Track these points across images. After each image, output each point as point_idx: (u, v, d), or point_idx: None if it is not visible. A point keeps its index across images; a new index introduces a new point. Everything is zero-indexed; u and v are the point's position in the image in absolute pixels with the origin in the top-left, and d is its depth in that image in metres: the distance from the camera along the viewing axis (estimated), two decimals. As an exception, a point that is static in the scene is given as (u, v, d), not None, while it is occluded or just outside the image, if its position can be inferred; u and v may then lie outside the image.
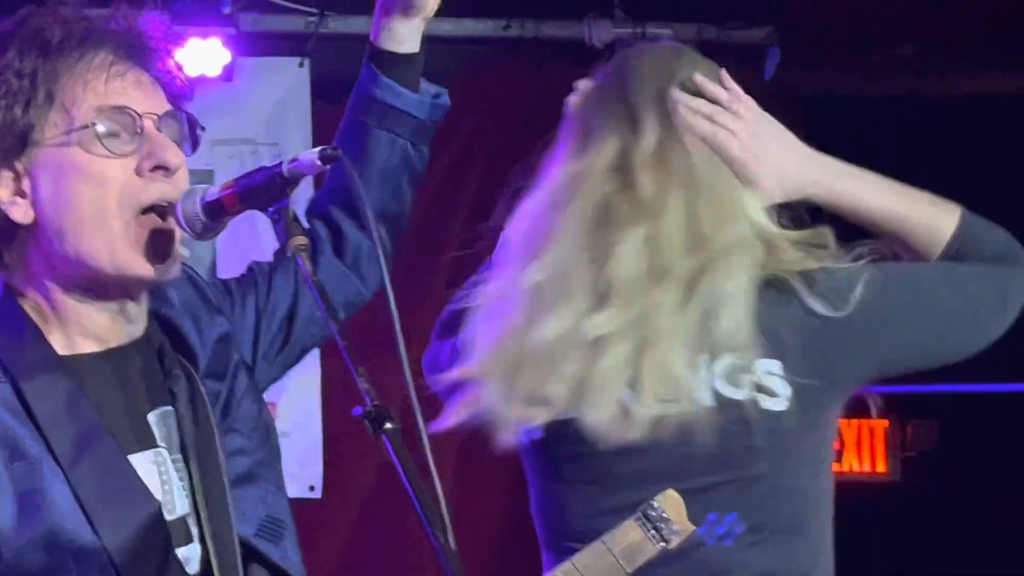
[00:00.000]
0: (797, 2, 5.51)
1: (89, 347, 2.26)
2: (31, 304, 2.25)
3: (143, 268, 2.13)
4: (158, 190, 2.14)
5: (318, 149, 2.05)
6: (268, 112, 5.65)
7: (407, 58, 2.57)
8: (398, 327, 1.92)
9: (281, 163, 2.09)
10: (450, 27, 5.54)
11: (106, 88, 2.20)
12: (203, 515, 2.26)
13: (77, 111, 2.17)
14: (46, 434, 2.21)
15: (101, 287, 2.20)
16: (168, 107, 2.24)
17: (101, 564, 2.18)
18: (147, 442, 2.24)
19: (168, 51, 2.32)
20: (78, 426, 2.26)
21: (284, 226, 2.06)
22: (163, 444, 2.26)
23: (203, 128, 2.32)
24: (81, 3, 2.22)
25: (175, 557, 2.21)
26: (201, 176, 4.31)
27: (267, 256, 4.69)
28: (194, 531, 2.23)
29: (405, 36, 2.52)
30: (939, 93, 5.95)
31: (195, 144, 2.27)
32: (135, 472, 2.20)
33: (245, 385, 2.42)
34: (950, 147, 6.07)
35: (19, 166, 2.15)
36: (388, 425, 1.86)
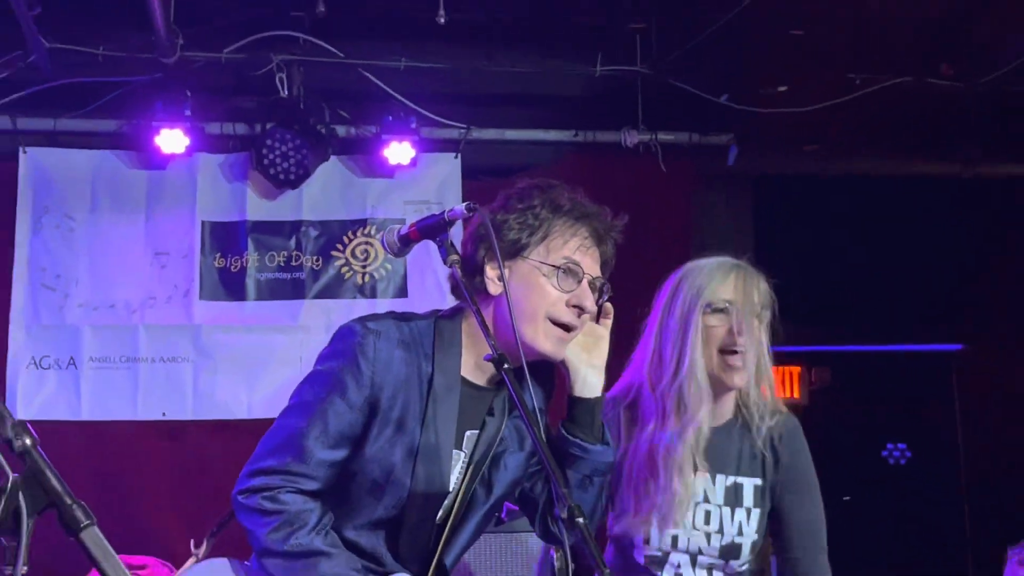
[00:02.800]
0: (749, 118, 6.08)
1: (472, 377, 2.78)
2: (467, 331, 2.78)
3: (545, 349, 2.70)
4: (570, 318, 2.70)
5: (464, 204, 2.63)
6: (437, 184, 6.31)
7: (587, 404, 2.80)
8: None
9: (444, 212, 2.65)
10: (535, 135, 6.38)
11: (576, 250, 2.74)
12: (459, 497, 2.78)
13: (554, 254, 2.72)
14: (428, 409, 2.69)
15: (530, 349, 2.68)
16: (599, 274, 2.78)
17: (400, 496, 2.70)
18: (459, 444, 2.76)
19: (615, 242, 2.83)
20: (445, 416, 2.73)
21: (445, 250, 2.62)
22: (465, 451, 2.78)
23: (610, 292, 2.80)
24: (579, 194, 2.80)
25: (437, 509, 2.77)
26: (397, 222, 5.08)
27: (435, 266, 5.65)
28: (446, 501, 2.77)
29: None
30: (840, 172, 6.46)
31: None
32: (449, 459, 2.73)
33: (517, 468, 2.88)
34: (847, 207, 6.56)
35: (507, 264, 2.71)
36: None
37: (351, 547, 2.68)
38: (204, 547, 2.88)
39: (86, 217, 6.14)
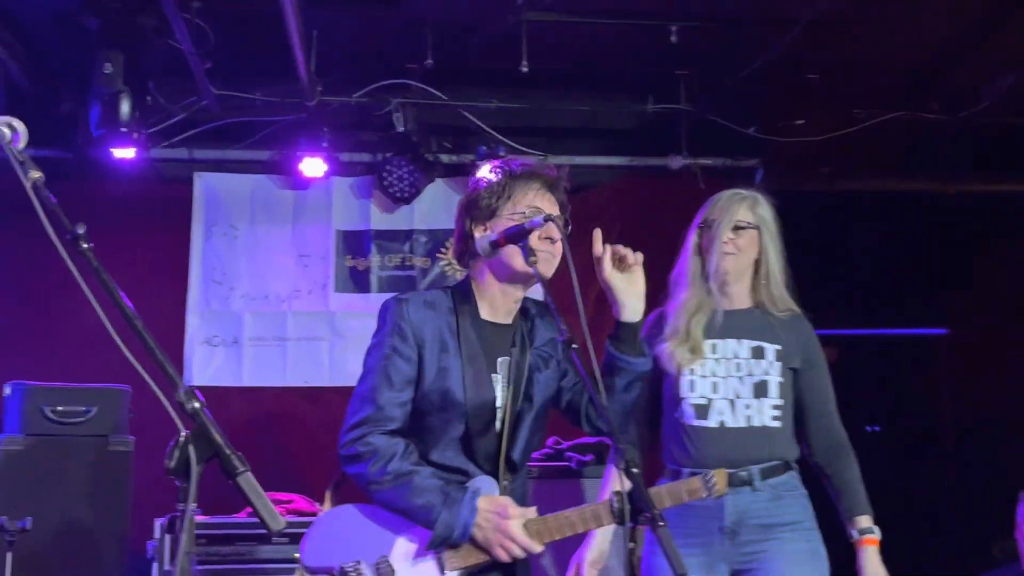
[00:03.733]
0: (773, 146, 6.00)
1: (490, 318, 2.82)
2: (476, 287, 2.82)
3: (542, 269, 2.65)
4: (546, 246, 2.69)
5: (541, 216, 2.62)
6: None
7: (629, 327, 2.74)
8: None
9: (524, 222, 2.64)
10: (598, 160, 6.31)
11: (535, 198, 2.75)
12: (508, 406, 2.77)
13: (519, 205, 2.74)
14: (461, 344, 2.75)
15: (525, 278, 2.74)
16: (557, 211, 2.76)
17: (461, 411, 2.74)
18: (494, 369, 2.78)
19: (562, 187, 2.82)
20: (474, 347, 2.77)
21: (526, 252, 2.60)
22: (501, 373, 2.79)
23: (569, 222, 2.75)
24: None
25: (494, 419, 2.77)
26: None
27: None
28: (499, 413, 2.77)
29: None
30: (846, 189, 6.30)
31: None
32: (488, 378, 2.77)
33: (553, 365, 2.87)
34: (852, 216, 6.48)
35: (487, 223, 2.76)
36: None
37: (439, 468, 2.69)
38: (328, 501, 2.87)
39: (246, 227, 6.21)
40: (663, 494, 2.66)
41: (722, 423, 3.06)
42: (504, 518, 2.58)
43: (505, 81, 5.43)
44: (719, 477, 2.64)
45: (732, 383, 3.08)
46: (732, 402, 3.07)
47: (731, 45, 5.26)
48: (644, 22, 5.06)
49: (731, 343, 3.11)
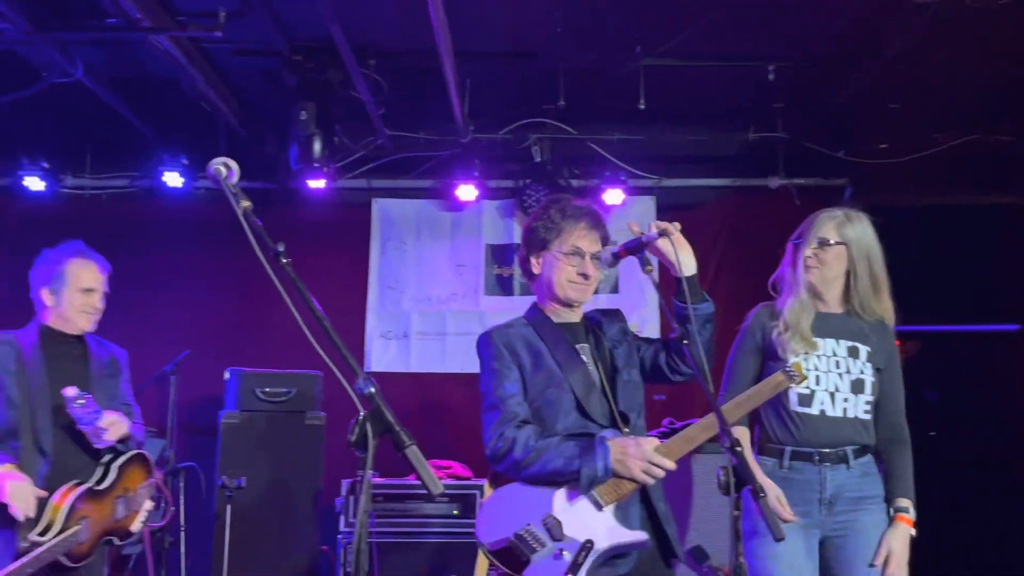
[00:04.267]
0: (860, 167, 5.83)
1: (559, 320, 2.86)
2: (541, 301, 2.90)
3: (570, 297, 2.79)
4: (579, 280, 2.78)
5: (656, 231, 2.64)
6: (638, 218, 6.00)
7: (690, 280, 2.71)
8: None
9: (642, 236, 2.66)
10: (706, 182, 6.21)
11: (580, 238, 2.79)
12: (601, 374, 2.78)
13: (566, 243, 2.79)
14: (546, 343, 2.79)
15: (565, 300, 2.83)
16: (598, 248, 2.80)
17: (564, 382, 2.74)
18: (578, 353, 2.80)
19: (604, 225, 2.86)
20: (558, 342, 2.79)
21: (642, 262, 2.62)
22: (584, 357, 2.79)
23: (609, 256, 2.72)
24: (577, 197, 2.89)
25: (593, 385, 2.76)
26: (611, 244, 5.47)
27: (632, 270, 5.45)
28: (595, 378, 2.76)
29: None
30: (926, 203, 5.98)
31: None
32: (577, 359, 2.78)
33: (626, 346, 2.87)
34: (933, 227, 6.02)
35: (539, 255, 2.85)
36: None
37: (569, 437, 2.68)
38: (488, 489, 2.93)
39: (413, 243, 6.29)
40: (750, 396, 2.73)
41: (823, 412, 2.98)
42: (638, 446, 2.57)
43: (626, 117, 5.36)
44: (797, 367, 2.69)
45: (832, 378, 3.00)
46: (832, 394, 2.99)
47: (821, 80, 5.11)
48: (745, 64, 4.97)
49: (830, 342, 3.02)
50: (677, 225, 2.67)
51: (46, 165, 5.79)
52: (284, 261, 1.97)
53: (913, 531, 2.97)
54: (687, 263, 2.67)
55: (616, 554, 2.58)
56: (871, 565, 2.89)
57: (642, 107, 5.15)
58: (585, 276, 2.75)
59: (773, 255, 3.23)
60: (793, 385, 2.72)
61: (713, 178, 6.18)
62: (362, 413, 1.87)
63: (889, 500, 3.01)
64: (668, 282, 2.78)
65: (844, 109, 5.38)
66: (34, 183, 5.81)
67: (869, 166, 5.86)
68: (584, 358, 2.77)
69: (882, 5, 4.25)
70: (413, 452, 1.88)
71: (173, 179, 5.73)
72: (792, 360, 2.88)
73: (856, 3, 4.31)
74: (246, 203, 2.00)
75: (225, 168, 2.03)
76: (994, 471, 6.13)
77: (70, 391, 3.16)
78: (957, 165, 5.86)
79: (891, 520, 2.97)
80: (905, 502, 2.97)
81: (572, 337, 2.80)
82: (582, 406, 2.69)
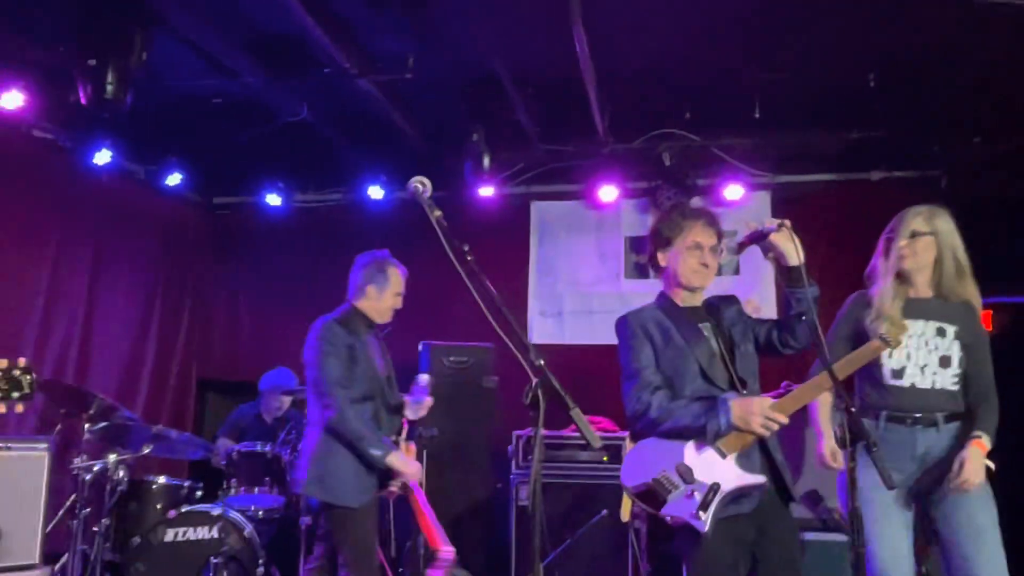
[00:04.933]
0: (954, 160, 5.50)
1: (683, 304, 2.80)
2: (668, 288, 2.84)
3: (694, 284, 2.76)
4: (699, 268, 2.74)
5: (776, 223, 2.53)
6: (756, 210, 5.85)
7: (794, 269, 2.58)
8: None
9: (763, 227, 2.57)
10: (814, 177, 5.90)
11: (699, 233, 2.75)
12: (721, 346, 2.69)
13: (687, 239, 2.76)
14: (673, 323, 2.72)
15: (688, 286, 2.76)
16: (715, 242, 2.76)
17: (688, 352, 2.66)
18: (701, 330, 2.73)
19: (719, 222, 2.80)
20: (683, 322, 2.73)
21: (764, 249, 2.59)
22: (707, 334, 2.72)
23: (724, 248, 2.77)
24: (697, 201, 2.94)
25: (714, 355, 2.68)
26: (733, 234, 5.21)
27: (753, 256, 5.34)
28: (715, 349, 2.69)
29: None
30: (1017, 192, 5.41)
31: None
32: (701, 335, 2.71)
33: (741, 326, 2.76)
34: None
35: (665, 250, 2.79)
36: None
37: (696, 399, 2.62)
38: (628, 443, 2.91)
39: (564, 236, 6.28)
40: (851, 360, 2.61)
41: (913, 384, 2.85)
42: (756, 404, 2.52)
43: (741, 123, 5.18)
44: (892, 333, 2.64)
45: (922, 354, 2.86)
46: (922, 368, 2.85)
47: (917, 84, 4.76)
48: (847, 73, 4.68)
49: (919, 323, 2.88)
50: (787, 222, 2.55)
51: (281, 185, 6.17)
52: (469, 257, 1.98)
53: (986, 458, 2.74)
54: (791, 253, 2.55)
55: (740, 495, 2.55)
56: (952, 486, 2.72)
57: (757, 116, 4.97)
58: (705, 265, 2.71)
59: (873, 242, 3.06)
60: (890, 348, 2.60)
61: (819, 174, 5.90)
62: (534, 380, 1.86)
63: (973, 434, 2.81)
64: (782, 269, 2.67)
65: (939, 107, 5.02)
66: (272, 199, 6.22)
67: (964, 160, 5.45)
68: (706, 334, 2.70)
69: (966, 15, 3.93)
70: (577, 414, 1.88)
71: (375, 192, 5.99)
72: (886, 327, 2.74)
73: (941, 17, 4.00)
74: (438, 212, 2.01)
75: (422, 185, 2.06)
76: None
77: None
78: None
79: (968, 444, 2.78)
80: (980, 432, 2.78)
81: (695, 317, 2.74)
82: (705, 373, 2.63)
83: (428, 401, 3.59)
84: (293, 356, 5.26)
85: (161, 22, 3.78)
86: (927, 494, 2.80)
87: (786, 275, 2.58)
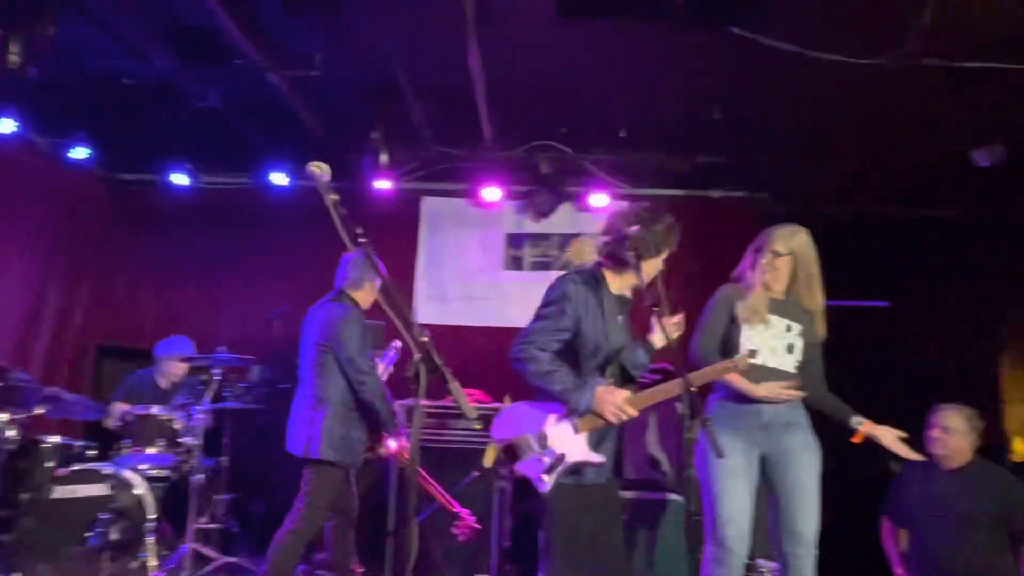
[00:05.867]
0: (775, 180, 5.52)
1: (617, 292, 2.67)
2: (607, 272, 2.67)
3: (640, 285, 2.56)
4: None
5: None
6: None
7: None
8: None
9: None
10: (665, 192, 5.89)
11: (673, 247, 2.63)
12: (625, 345, 2.64)
13: (665, 251, 2.62)
14: (604, 307, 2.57)
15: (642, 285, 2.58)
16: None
17: (604, 347, 2.59)
18: (620, 315, 2.62)
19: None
20: (610, 309, 2.60)
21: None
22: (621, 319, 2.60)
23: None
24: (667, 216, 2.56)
25: (617, 354, 2.62)
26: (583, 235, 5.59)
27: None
28: (616, 349, 2.61)
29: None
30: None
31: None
32: (618, 327, 2.61)
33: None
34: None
35: (648, 261, 2.57)
36: None
37: (572, 373, 2.53)
38: (507, 400, 2.91)
39: (452, 230, 6.20)
40: (703, 374, 2.60)
41: (764, 363, 2.91)
42: (612, 394, 2.49)
43: (610, 142, 5.22)
44: (741, 360, 2.60)
45: (774, 342, 2.95)
46: (772, 351, 2.94)
47: (753, 119, 4.87)
48: (696, 107, 4.71)
49: (775, 318, 2.97)
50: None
51: (188, 166, 5.83)
52: (363, 241, 1.94)
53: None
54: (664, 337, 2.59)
55: (581, 468, 2.56)
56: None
57: (622, 135, 5.01)
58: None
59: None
60: (738, 369, 2.60)
61: (672, 189, 5.96)
62: (417, 356, 1.86)
63: (847, 419, 2.93)
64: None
65: (767, 139, 5.14)
66: (179, 178, 5.88)
67: (784, 182, 5.61)
68: (621, 330, 2.64)
69: (801, 68, 3.95)
70: (455, 387, 1.91)
71: (280, 179, 5.75)
72: (740, 355, 2.75)
73: (774, 67, 3.96)
74: (334, 196, 1.96)
75: (319, 169, 1.98)
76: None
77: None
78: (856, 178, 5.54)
79: (858, 432, 2.91)
80: (858, 417, 2.90)
81: (620, 310, 2.66)
82: (609, 359, 2.60)
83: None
84: (191, 327, 5.14)
85: (76, 3, 3.56)
86: (770, 456, 2.91)
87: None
